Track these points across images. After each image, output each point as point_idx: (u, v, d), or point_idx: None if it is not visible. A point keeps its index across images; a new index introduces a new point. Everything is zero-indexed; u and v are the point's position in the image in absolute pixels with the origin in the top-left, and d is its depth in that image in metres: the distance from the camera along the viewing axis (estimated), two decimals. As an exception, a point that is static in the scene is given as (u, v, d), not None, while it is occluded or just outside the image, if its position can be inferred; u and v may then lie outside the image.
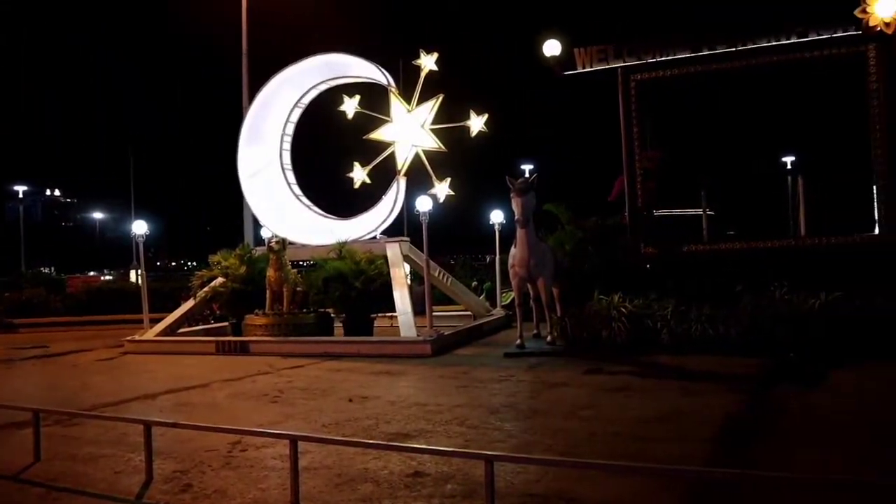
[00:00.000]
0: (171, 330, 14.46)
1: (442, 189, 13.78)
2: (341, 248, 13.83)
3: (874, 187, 11.35)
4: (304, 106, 15.86)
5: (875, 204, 11.34)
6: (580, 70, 12.92)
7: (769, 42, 11.82)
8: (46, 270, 45.43)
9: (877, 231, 11.35)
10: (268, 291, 13.55)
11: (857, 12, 11.06)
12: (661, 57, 12.51)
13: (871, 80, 11.28)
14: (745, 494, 4.45)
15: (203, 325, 15.95)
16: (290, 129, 15.85)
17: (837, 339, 9.36)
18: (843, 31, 11.36)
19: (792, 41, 11.69)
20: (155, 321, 14.53)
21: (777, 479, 4.37)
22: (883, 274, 10.27)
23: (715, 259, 12.24)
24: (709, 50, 12.20)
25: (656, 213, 13.27)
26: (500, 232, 15.92)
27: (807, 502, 4.29)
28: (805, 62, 11.74)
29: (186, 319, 15.15)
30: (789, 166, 16.79)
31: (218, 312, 15.78)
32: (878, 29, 10.94)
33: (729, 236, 14.50)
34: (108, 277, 43.43)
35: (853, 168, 12.12)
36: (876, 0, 10.86)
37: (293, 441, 4.73)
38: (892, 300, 9.61)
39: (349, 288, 13.12)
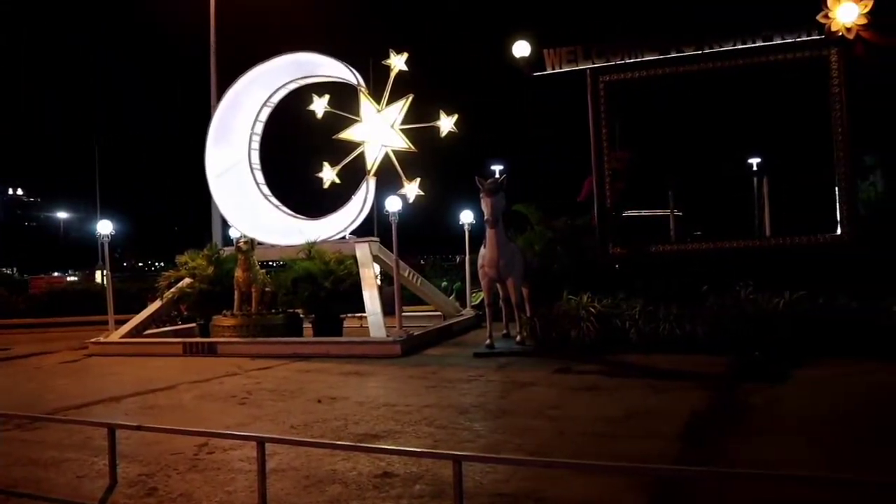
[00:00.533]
0: (137, 331, 14.25)
1: (412, 189, 13.77)
2: (310, 249, 13.74)
3: (836, 188, 11.58)
4: (273, 105, 15.73)
5: (837, 205, 11.57)
6: (549, 71, 12.98)
7: (735, 45, 12.00)
8: (8, 271, 44.55)
9: (839, 231, 11.58)
10: (236, 292, 13.42)
11: (819, 17, 11.28)
12: (630, 59, 12.60)
13: (834, 84, 11.50)
14: (711, 489, 4.50)
15: (170, 326, 15.73)
16: (259, 128, 15.71)
17: (802, 337, 9.53)
18: (807, 36, 11.56)
19: (758, 45, 11.89)
20: (121, 322, 14.29)
21: (744, 475, 4.43)
22: (845, 273, 10.47)
23: (682, 259, 12.38)
24: (676, 52, 12.34)
25: (625, 213, 13.38)
26: (470, 232, 15.92)
27: (772, 495, 4.36)
28: (770, 65, 11.93)
29: (153, 321, 14.93)
30: (755, 168, 17.01)
31: (185, 313, 15.56)
32: (840, 34, 11.15)
33: (696, 237, 14.64)
34: (72, 278, 42.65)
35: (816, 170, 12.32)
36: (837, 5, 11.08)
37: (260, 443, 4.69)
38: (853, 299, 9.81)
39: (318, 288, 13.04)
